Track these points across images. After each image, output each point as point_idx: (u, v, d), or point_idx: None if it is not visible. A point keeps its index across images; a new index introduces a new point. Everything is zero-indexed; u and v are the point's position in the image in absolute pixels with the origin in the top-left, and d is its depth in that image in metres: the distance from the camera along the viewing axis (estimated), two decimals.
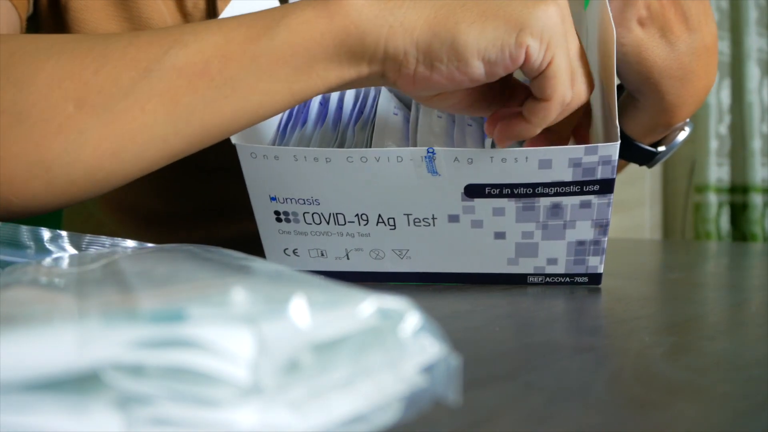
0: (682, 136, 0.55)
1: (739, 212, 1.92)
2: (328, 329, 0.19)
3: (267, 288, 0.22)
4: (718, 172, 1.89)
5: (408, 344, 0.20)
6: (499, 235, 0.46)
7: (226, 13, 0.50)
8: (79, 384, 0.17)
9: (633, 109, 0.53)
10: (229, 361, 0.17)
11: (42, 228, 0.36)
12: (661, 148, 0.55)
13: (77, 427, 0.16)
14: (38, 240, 0.36)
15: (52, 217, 0.83)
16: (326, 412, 0.18)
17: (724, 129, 1.89)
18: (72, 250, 0.36)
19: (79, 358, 0.17)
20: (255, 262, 0.30)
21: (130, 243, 0.37)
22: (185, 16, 0.62)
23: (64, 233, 0.37)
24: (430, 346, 0.21)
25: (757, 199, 1.87)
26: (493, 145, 0.45)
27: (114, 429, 0.16)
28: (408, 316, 0.20)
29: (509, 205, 0.45)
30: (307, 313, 0.19)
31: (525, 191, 0.44)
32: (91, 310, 0.19)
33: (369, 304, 0.20)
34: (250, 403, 0.17)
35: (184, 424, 0.17)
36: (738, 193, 1.92)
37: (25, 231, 0.36)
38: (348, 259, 0.49)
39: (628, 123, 0.54)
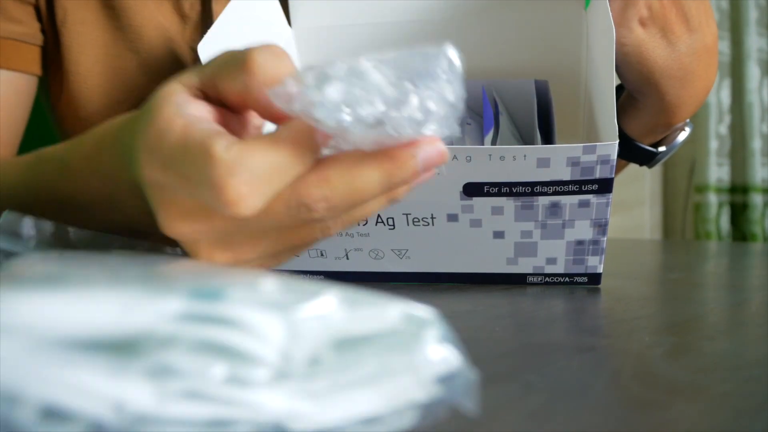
0: (682, 136, 0.55)
1: (739, 212, 1.91)
2: (357, 326, 0.20)
3: (298, 282, 0.22)
4: (718, 172, 1.89)
5: (430, 352, 0.21)
6: (498, 235, 0.46)
7: (226, 14, 0.50)
8: (118, 348, 0.17)
9: (633, 109, 0.53)
10: (262, 342, 0.17)
11: (45, 220, 0.36)
12: (662, 149, 0.55)
13: (112, 389, 0.17)
14: (42, 231, 0.36)
15: None
16: (346, 407, 0.19)
17: (724, 129, 1.89)
18: (75, 244, 0.36)
19: (121, 322, 0.17)
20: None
21: (136, 242, 0.37)
22: (183, 18, 0.62)
23: (70, 228, 0.37)
24: (451, 356, 0.21)
25: (757, 199, 1.87)
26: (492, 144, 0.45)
27: (146, 397, 0.17)
28: (433, 326, 0.21)
29: (508, 204, 0.45)
30: (338, 308, 0.19)
31: (523, 190, 0.44)
32: (129, 281, 0.19)
33: (397, 308, 0.20)
34: (276, 388, 0.18)
35: (213, 400, 0.17)
36: (738, 193, 1.92)
37: (28, 221, 0.36)
38: (347, 259, 0.49)
39: (629, 123, 0.54)
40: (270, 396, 0.17)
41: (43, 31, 0.63)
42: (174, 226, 0.29)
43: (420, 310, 0.21)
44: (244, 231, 0.30)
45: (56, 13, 0.62)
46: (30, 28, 0.62)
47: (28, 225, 0.36)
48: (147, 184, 0.30)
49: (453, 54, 0.28)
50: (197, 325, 0.17)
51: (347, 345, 0.19)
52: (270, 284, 0.20)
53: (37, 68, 0.63)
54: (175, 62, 0.63)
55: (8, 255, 0.34)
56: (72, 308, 0.17)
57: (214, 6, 0.62)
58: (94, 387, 0.17)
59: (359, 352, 0.20)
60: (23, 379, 0.17)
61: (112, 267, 0.24)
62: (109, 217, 0.38)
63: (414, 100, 0.27)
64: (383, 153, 0.28)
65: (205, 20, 0.62)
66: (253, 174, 0.26)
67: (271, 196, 0.27)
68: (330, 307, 0.19)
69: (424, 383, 0.21)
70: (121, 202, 0.36)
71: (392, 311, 0.20)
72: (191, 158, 0.27)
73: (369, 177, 0.28)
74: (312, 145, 0.27)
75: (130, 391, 0.17)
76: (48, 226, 0.36)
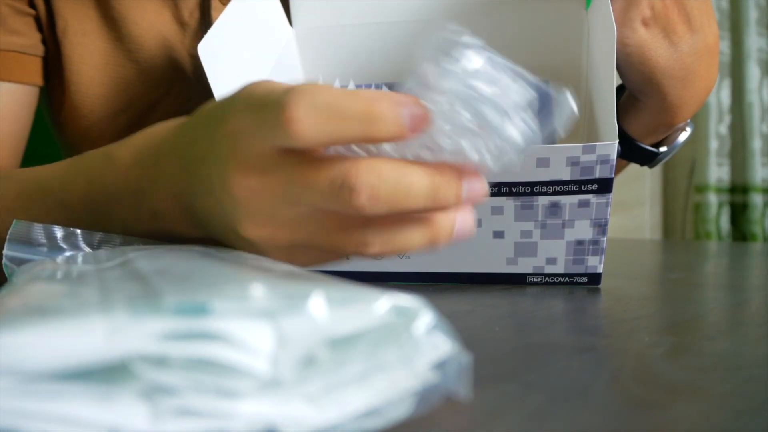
0: (683, 136, 0.55)
1: (739, 212, 1.92)
2: (345, 325, 0.20)
3: (285, 285, 0.22)
4: (718, 172, 1.89)
5: (421, 341, 0.21)
6: (498, 235, 0.46)
7: (226, 14, 0.50)
8: (107, 374, 0.17)
9: (635, 109, 0.53)
10: (250, 354, 0.17)
11: (55, 226, 0.37)
12: (663, 149, 0.55)
13: (105, 415, 0.17)
14: (52, 237, 0.36)
15: None
16: (342, 405, 0.19)
17: (724, 129, 1.89)
18: (85, 248, 0.36)
19: (107, 348, 0.17)
20: (268, 262, 0.30)
21: (141, 241, 0.38)
22: (182, 26, 0.62)
23: (78, 231, 0.37)
24: (442, 343, 0.21)
25: (757, 199, 1.87)
26: None
27: (140, 418, 0.17)
28: (422, 315, 0.21)
29: (507, 203, 0.45)
30: (325, 309, 0.19)
31: (523, 190, 0.44)
32: (117, 303, 0.20)
33: (384, 302, 0.20)
34: (269, 396, 0.18)
35: (207, 415, 0.17)
36: (738, 193, 1.92)
37: (38, 228, 0.36)
38: (347, 258, 0.49)
39: (630, 123, 0.54)
40: (263, 405, 0.17)
41: (44, 41, 0.63)
42: (233, 177, 0.30)
43: (407, 301, 0.21)
44: (287, 209, 0.30)
45: (57, 24, 0.62)
46: (31, 39, 0.62)
47: (38, 232, 0.36)
48: (221, 139, 0.31)
49: (571, 101, 0.29)
50: (185, 342, 0.17)
51: (339, 344, 0.19)
52: (258, 290, 0.20)
53: (38, 79, 0.63)
54: (175, 70, 0.63)
55: (20, 263, 0.34)
56: (58, 341, 0.17)
57: (213, 13, 0.62)
58: (86, 416, 0.17)
59: (351, 349, 0.20)
60: (16, 416, 0.17)
61: (107, 281, 0.24)
62: (143, 207, 0.38)
63: (514, 134, 0.28)
64: (435, 165, 0.29)
65: (205, 27, 0.62)
66: (316, 104, 0.27)
67: (326, 138, 0.28)
68: (319, 310, 0.19)
69: (418, 372, 0.21)
70: (158, 191, 0.37)
71: (380, 305, 0.20)
72: (272, 97, 0.29)
73: (417, 180, 0.29)
74: (383, 119, 0.28)
75: (123, 414, 0.17)
76: (58, 231, 0.36)
